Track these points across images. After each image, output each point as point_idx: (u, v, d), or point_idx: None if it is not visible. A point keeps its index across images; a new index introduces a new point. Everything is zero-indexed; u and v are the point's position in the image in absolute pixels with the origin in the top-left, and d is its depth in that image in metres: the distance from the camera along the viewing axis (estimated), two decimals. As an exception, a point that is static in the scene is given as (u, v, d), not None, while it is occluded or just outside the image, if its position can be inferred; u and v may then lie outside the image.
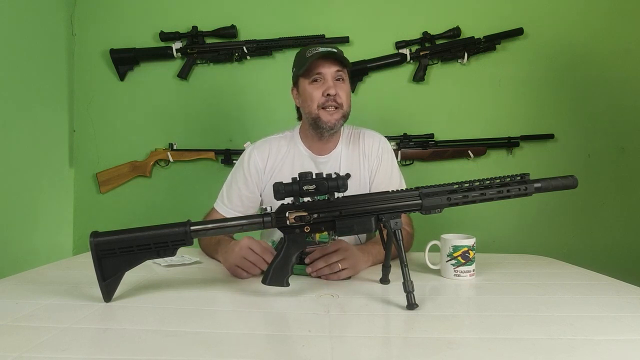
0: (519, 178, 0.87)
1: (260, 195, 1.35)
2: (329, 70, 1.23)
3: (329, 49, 1.24)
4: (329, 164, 1.33)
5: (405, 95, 2.06)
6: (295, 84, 1.31)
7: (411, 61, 2.03)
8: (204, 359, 0.61)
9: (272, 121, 2.08)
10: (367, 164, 1.35)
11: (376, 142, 1.37)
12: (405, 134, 2.02)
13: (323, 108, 1.23)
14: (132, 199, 2.11)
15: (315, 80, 1.24)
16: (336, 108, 1.23)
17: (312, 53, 1.23)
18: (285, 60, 2.06)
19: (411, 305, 0.81)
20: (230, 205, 1.32)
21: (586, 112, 2.02)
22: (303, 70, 1.24)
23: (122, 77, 2.09)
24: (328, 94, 1.22)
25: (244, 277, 1.03)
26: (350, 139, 1.37)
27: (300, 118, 1.36)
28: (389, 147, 1.39)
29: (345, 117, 1.27)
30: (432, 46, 2.02)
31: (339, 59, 1.24)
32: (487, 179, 0.88)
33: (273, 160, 1.33)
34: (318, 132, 1.27)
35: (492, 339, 0.69)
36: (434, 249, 1.08)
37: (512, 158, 2.03)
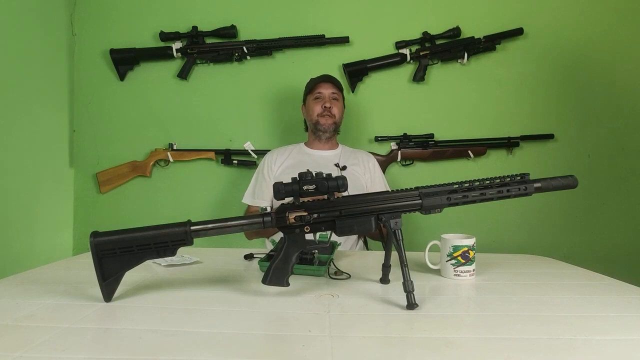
0: (518, 178, 0.87)
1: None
2: (327, 91, 1.73)
3: (329, 75, 1.77)
4: (329, 157, 1.69)
5: (405, 95, 2.06)
6: (304, 102, 1.79)
7: (411, 61, 2.03)
8: (204, 359, 0.61)
9: (271, 121, 2.08)
10: (362, 166, 1.70)
11: (369, 157, 1.78)
12: (405, 134, 2.02)
13: (322, 116, 1.70)
14: (132, 199, 2.11)
15: (317, 98, 1.72)
16: (330, 117, 1.71)
17: (316, 77, 1.76)
18: (285, 60, 2.07)
19: (411, 305, 0.81)
20: (255, 197, 1.71)
21: (586, 112, 2.03)
22: (309, 90, 1.75)
23: (122, 77, 2.09)
24: (325, 107, 1.70)
25: None
26: (349, 150, 1.79)
27: (307, 129, 1.80)
28: (377, 166, 1.78)
29: (336, 125, 1.73)
30: (432, 46, 2.02)
31: (335, 83, 1.75)
32: (487, 179, 0.88)
33: (281, 157, 1.73)
34: (317, 134, 1.72)
35: (492, 339, 0.69)
36: (434, 249, 1.08)
37: (512, 158, 2.03)
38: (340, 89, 1.77)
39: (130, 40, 2.08)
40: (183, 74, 2.06)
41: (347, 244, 1.59)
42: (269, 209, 0.90)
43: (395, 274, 0.94)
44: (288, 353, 0.64)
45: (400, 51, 2.02)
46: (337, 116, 1.72)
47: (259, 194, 1.71)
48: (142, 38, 2.08)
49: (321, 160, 1.69)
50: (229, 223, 0.89)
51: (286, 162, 1.71)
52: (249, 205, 1.73)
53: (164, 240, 0.86)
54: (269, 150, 1.84)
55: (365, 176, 1.69)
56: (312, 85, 1.73)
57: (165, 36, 2.05)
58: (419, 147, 2.01)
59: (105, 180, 2.08)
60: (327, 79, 1.74)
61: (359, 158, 1.73)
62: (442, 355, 0.62)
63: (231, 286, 0.96)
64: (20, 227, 1.81)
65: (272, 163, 1.72)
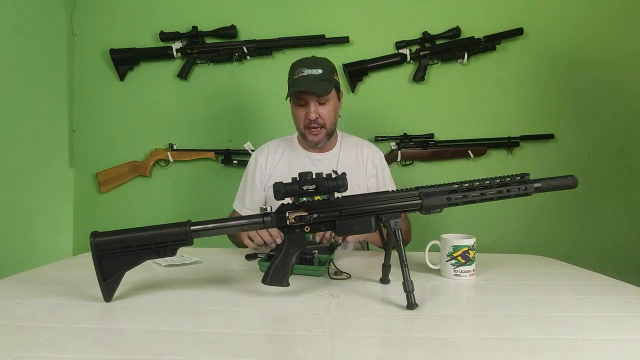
0: (518, 178, 0.87)
1: (264, 189, 1.47)
2: (311, 97, 1.33)
3: (309, 85, 1.29)
4: (326, 161, 1.45)
5: (405, 95, 2.06)
6: (289, 94, 1.37)
7: (411, 61, 2.03)
8: (204, 358, 0.61)
9: (271, 121, 2.08)
10: (364, 169, 1.47)
11: (374, 153, 1.49)
12: (405, 134, 2.02)
13: (308, 129, 1.36)
14: (132, 199, 2.11)
15: (301, 105, 1.35)
16: (319, 128, 1.36)
17: (298, 76, 1.32)
18: (286, 60, 2.05)
19: (411, 305, 0.81)
20: (244, 205, 1.47)
21: (586, 112, 2.02)
22: (289, 95, 1.35)
23: (122, 77, 2.09)
24: (310, 119, 1.33)
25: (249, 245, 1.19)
26: (350, 145, 1.49)
27: None
28: (385, 162, 1.51)
29: (330, 134, 1.39)
30: (432, 46, 2.02)
31: (321, 87, 1.30)
32: (487, 179, 0.88)
33: (271, 158, 1.47)
34: (308, 142, 1.40)
35: (492, 339, 0.69)
36: (434, 248, 1.08)
37: (512, 158, 2.03)
38: (333, 83, 1.35)
39: (130, 40, 2.07)
40: (183, 74, 2.06)
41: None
42: (269, 209, 0.90)
43: (395, 274, 0.94)
44: (288, 353, 0.64)
45: (400, 51, 2.02)
46: (329, 122, 1.36)
47: (242, 199, 1.49)
48: (142, 38, 2.08)
49: (318, 163, 1.45)
50: (229, 223, 0.89)
51: (280, 164, 1.46)
52: (234, 210, 1.51)
53: (164, 240, 0.86)
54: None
55: (366, 182, 1.46)
56: (292, 91, 1.33)
57: (165, 36, 2.04)
58: (419, 147, 2.01)
59: (105, 180, 2.08)
60: (308, 86, 1.30)
61: (361, 159, 1.47)
62: (442, 355, 0.62)
63: (231, 286, 0.97)
64: (20, 227, 1.80)
65: (263, 166, 1.46)
